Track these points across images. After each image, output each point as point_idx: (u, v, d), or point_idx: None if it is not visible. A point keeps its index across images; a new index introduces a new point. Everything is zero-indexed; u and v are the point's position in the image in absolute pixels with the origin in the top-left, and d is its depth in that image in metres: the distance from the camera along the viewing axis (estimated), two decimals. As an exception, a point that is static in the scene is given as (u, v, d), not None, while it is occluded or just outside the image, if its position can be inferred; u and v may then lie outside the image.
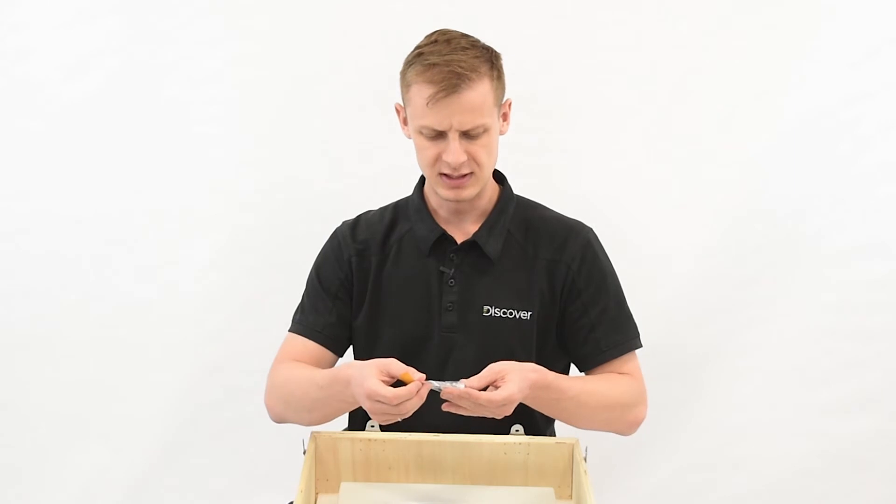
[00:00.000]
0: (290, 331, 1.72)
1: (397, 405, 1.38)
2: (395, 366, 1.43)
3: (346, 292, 1.70)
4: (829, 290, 2.45)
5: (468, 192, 1.60)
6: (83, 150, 2.42)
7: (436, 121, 1.53)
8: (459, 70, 1.51)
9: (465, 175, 1.58)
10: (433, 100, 1.51)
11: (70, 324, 2.48)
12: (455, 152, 1.54)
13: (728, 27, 2.38)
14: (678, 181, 2.44)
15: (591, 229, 1.72)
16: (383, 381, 1.41)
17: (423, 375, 1.41)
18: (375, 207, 1.78)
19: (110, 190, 2.44)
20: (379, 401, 1.38)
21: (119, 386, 2.50)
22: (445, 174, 1.58)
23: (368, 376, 1.40)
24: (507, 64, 1.63)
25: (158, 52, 2.39)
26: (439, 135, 1.55)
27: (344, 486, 1.54)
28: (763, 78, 2.38)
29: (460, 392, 1.40)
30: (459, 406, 1.43)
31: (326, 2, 2.39)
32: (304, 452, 1.52)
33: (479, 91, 1.53)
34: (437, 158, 1.57)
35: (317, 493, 1.56)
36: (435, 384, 1.41)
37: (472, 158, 1.56)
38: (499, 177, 1.73)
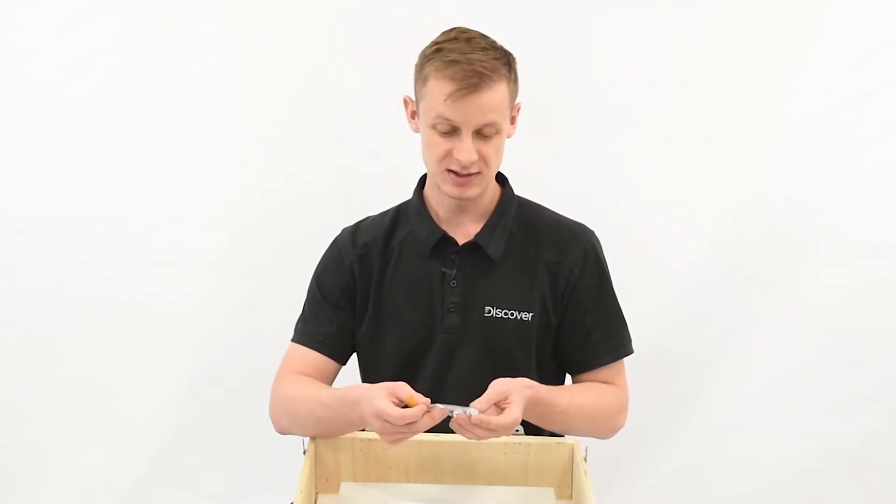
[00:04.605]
0: (292, 340, 1.71)
1: (404, 426, 1.38)
2: (402, 389, 1.42)
3: (348, 300, 1.69)
4: (829, 291, 2.45)
5: (473, 191, 1.60)
6: (83, 150, 2.42)
7: (454, 116, 1.53)
8: (481, 70, 1.51)
9: (473, 174, 1.58)
10: (453, 97, 1.51)
11: (70, 324, 2.48)
12: (468, 150, 1.54)
13: (728, 28, 2.38)
14: (678, 181, 2.44)
15: (594, 232, 1.71)
16: (393, 403, 1.40)
17: (428, 400, 1.41)
18: (375, 208, 1.77)
19: (110, 190, 2.44)
20: (387, 420, 1.38)
21: (119, 386, 2.50)
22: (453, 171, 1.58)
23: (377, 396, 1.40)
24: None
25: (158, 52, 2.39)
26: (453, 131, 1.55)
27: (344, 486, 1.54)
28: (763, 78, 2.39)
29: (477, 419, 1.39)
30: (472, 433, 1.41)
31: (327, 1, 2.39)
32: (304, 452, 1.52)
33: (498, 92, 1.53)
34: (447, 154, 1.56)
35: (317, 493, 1.56)
36: (447, 409, 1.41)
37: (482, 158, 1.56)
38: (500, 178, 1.72)
